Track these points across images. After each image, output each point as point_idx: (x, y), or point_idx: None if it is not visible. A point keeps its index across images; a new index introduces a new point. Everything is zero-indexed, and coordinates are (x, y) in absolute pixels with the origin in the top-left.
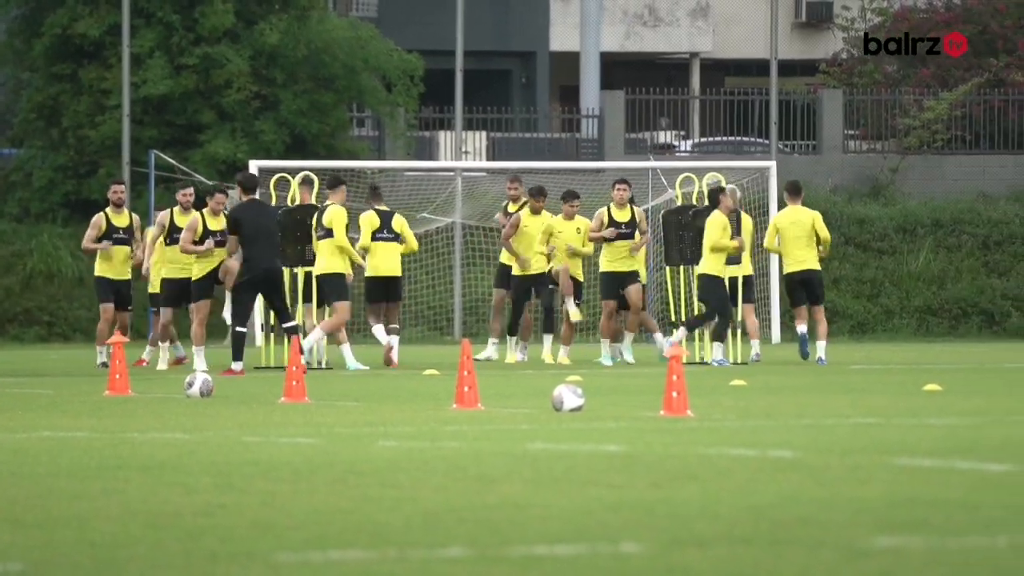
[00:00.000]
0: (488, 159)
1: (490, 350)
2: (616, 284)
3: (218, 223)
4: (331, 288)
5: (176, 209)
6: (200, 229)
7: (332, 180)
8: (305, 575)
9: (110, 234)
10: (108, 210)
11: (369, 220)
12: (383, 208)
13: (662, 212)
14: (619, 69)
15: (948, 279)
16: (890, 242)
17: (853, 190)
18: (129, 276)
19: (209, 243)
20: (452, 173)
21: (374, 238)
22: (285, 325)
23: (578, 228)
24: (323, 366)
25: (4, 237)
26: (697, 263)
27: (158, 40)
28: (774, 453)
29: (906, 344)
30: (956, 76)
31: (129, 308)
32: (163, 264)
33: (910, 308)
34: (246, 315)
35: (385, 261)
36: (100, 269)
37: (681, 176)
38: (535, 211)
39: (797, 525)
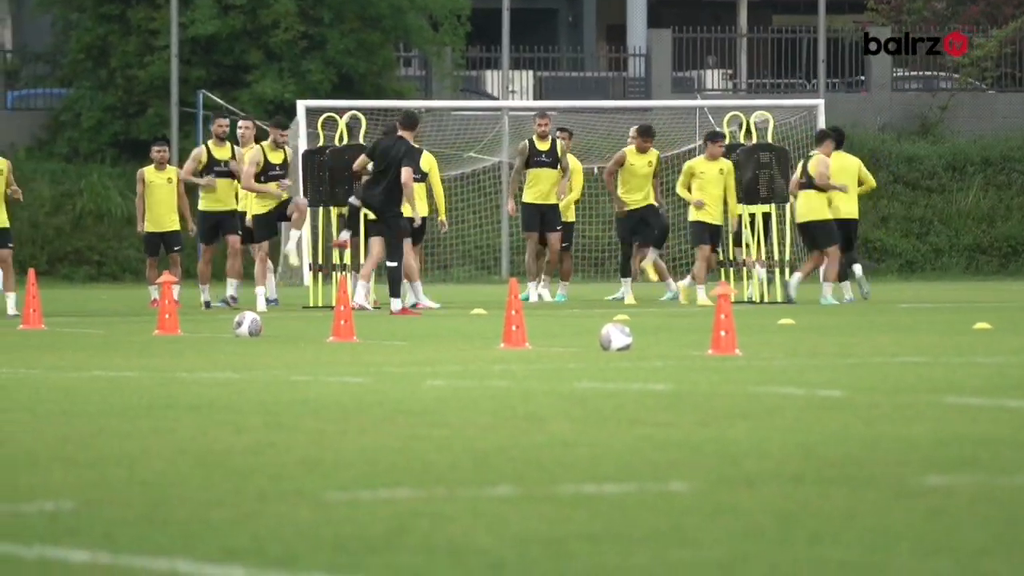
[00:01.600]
0: (535, 98)
1: (531, 292)
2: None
3: (277, 156)
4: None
5: (211, 142)
6: (262, 161)
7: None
8: (354, 513)
9: (211, 167)
10: (210, 143)
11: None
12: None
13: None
14: (666, 8)
15: (998, 217)
16: (939, 180)
17: (902, 128)
18: (234, 206)
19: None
20: (499, 112)
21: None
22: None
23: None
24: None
25: (54, 177)
26: (746, 202)
27: None
28: (822, 392)
29: (955, 283)
30: (1006, 13)
31: (239, 232)
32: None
33: (959, 246)
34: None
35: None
36: (204, 203)
37: (729, 115)
38: (642, 150)
39: (845, 464)
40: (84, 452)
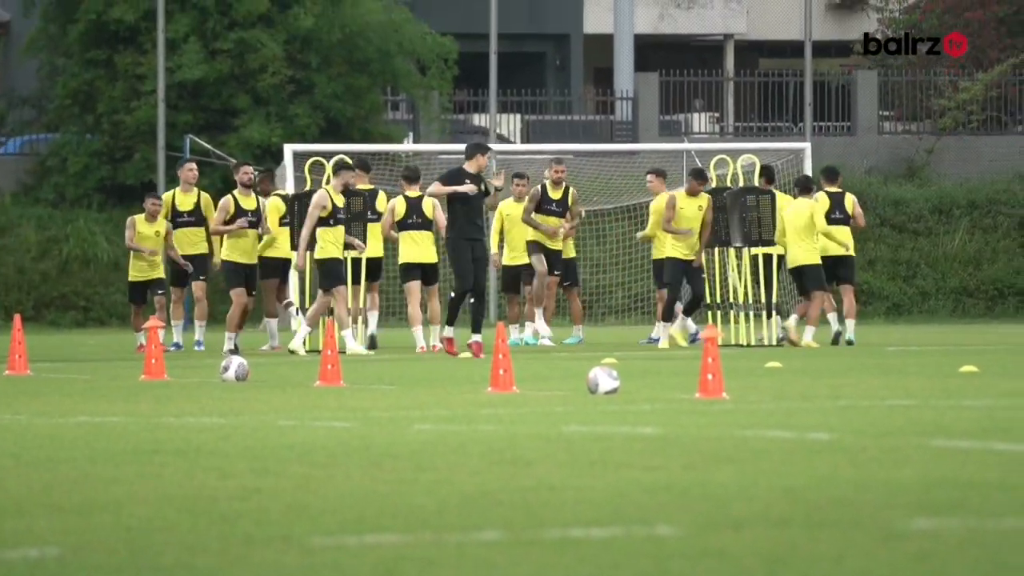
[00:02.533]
0: (522, 142)
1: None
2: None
3: (250, 203)
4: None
5: (237, 191)
6: (232, 210)
7: (362, 163)
8: (341, 559)
9: (239, 217)
10: (236, 192)
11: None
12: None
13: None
14: (653, 51)
15: (984, 260)
16: (926, 223)
17: (888, 171)
18: (256, 260)
19: (241, 222)
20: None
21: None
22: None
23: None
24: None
25: (40, 222)
26: (730, 245)
27: (193, 25)
28: (810, 435)
29: (942, 325)
30: (991, 57)
31: (252, 294)
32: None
33: (946, 289)
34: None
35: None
36: (230, 253)
37: (715, 158)
38: (692, 193)
39: (833, 507)
40: (69, 498)
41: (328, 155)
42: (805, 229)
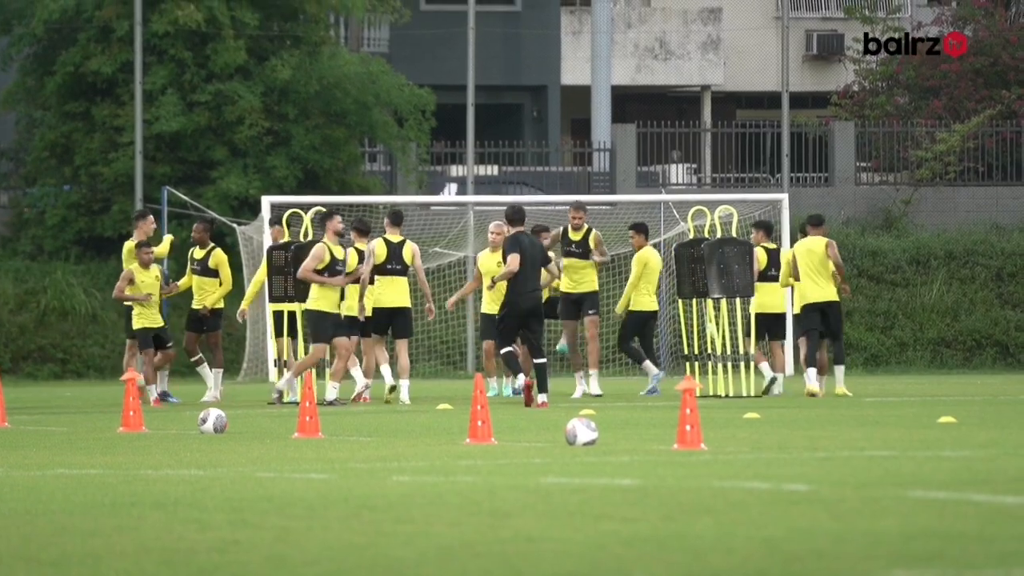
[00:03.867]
0: (500, 193)
1: (593, 386)
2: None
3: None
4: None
5: (327, 238)
6: (327, 259)
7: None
8: None
9: (332, 266)
10: (327, 240)
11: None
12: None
13: (674, 245)
14: (630, 102)
15: (962, 311)
16: (903, 274)
17: (866, 222)
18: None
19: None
20: (464, 207)
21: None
22: (536, 361)
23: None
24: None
25: (18, 275)
26: (708, 296)
27: (170, 77)
28: (788, 486)
29: (920, 376)
30: (968, 108)
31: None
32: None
33: (924, 340)
34: (511, 338)
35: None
36: (322, 303)
37: (693, 209)
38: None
39: (812, 558)
40: (47, 551)
41: (306, 206)
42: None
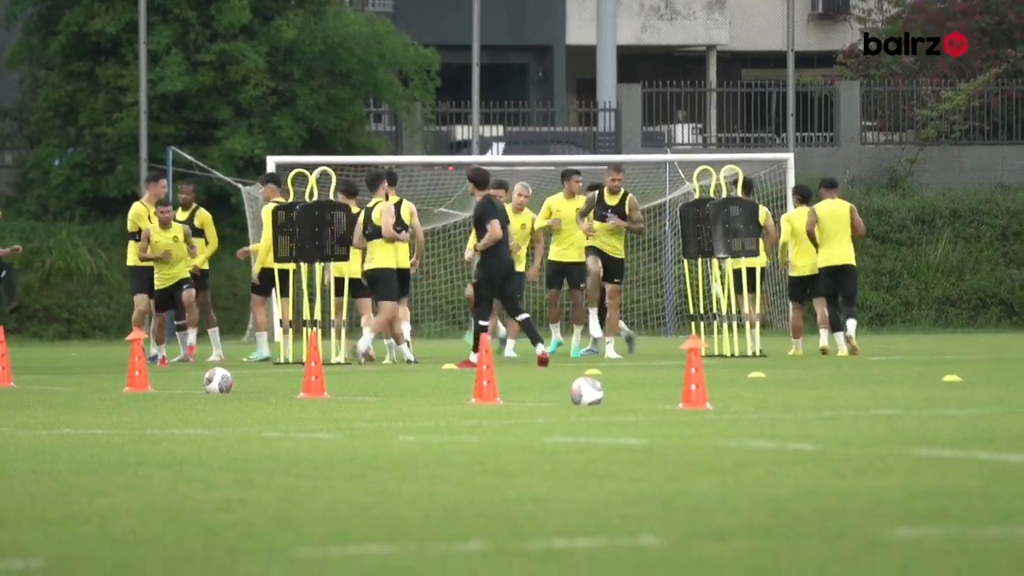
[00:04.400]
0: (505, 153)
1: (610, 351)
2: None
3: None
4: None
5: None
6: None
7: (373, 178)
8: (325, 570)
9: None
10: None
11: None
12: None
13: (679, 205)
14: (636, 63)
15: (967, 270)
16: (908, 233)
17: (871, 182)
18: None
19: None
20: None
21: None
22: (520, 318)
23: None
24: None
25: (23, 235)
26: (713, 256)
27: (175, 37)
28: (793, 445)
29: (925, 335)
30: (974, 67)
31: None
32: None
33: (929, 299)
34: (489, 308)
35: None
36: (384, 261)
37: (699, 169)
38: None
39: (817, 517)
40: (53, 510)
41: (311, 167)
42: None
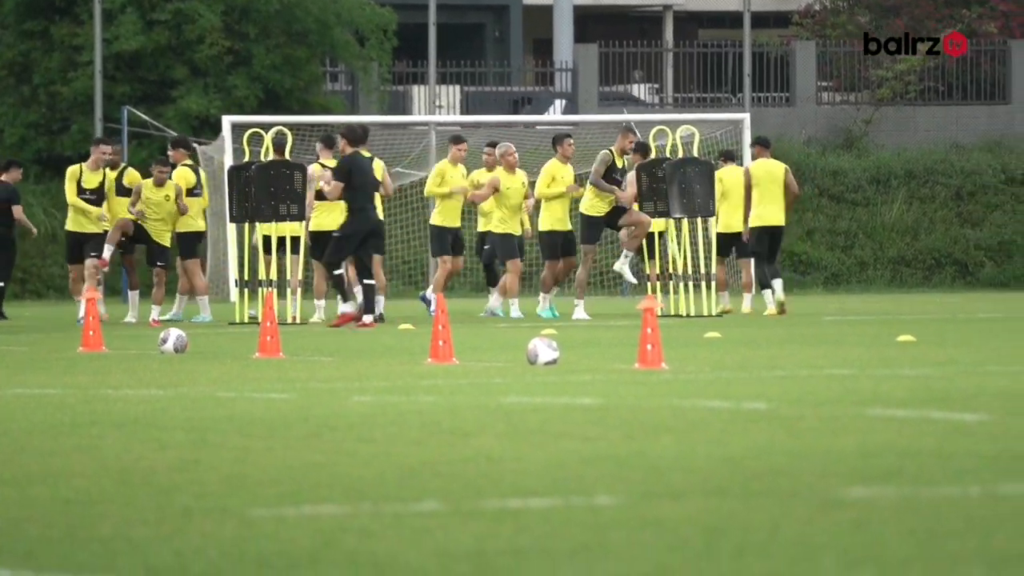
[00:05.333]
0: (462, 113)
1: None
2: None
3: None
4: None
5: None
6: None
7: (328, 139)
8: (279, 530)
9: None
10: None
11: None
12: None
13: (636, 165)
14: (592, 22)
15: (922, 230)
16: (864, 193)
17: (826, 142)
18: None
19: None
20: (426, 127)
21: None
22: (366, 282)
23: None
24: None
25: None
26: (669, 216)
27: None
28: (748, 405)
29: (880, 295)
30: (929, 27)
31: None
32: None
33: (884, 259)
34: (341, 260)
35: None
36: (441, 219)
37: (655, 129)
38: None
39: (771, 476)
40: (6, 470)
41: (266, 126)
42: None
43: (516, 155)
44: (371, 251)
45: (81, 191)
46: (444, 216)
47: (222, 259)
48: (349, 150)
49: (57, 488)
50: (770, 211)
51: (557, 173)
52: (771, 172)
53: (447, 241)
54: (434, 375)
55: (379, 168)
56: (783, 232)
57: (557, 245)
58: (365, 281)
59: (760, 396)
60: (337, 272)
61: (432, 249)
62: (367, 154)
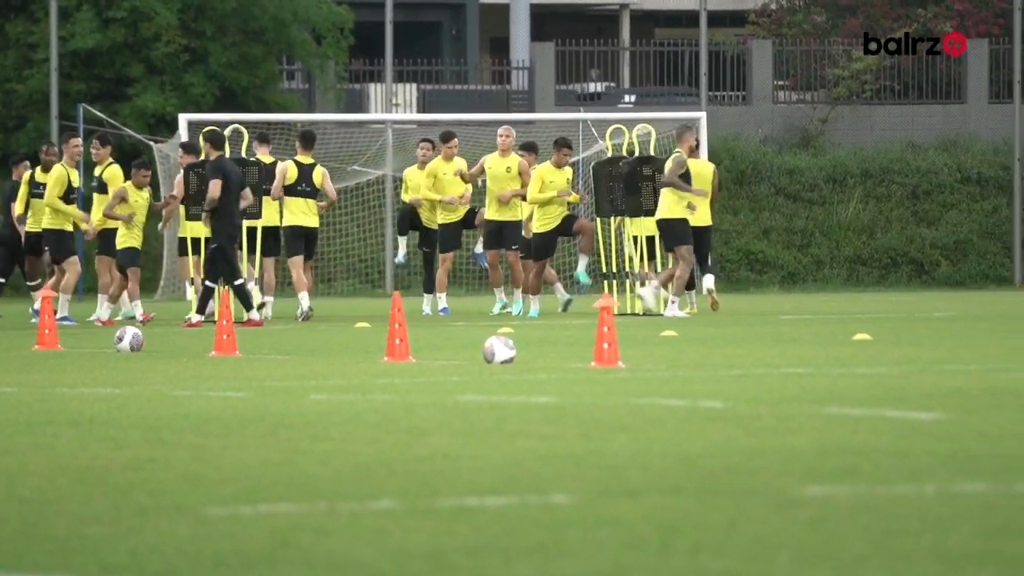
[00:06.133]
0: (418, 111)
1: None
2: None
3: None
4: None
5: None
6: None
7: (263, 136)
8: (235, 528)
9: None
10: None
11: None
12: (306, 160)
13: (592, 164)
14: (549, 21)
15: (878, 229)
16: (820, 192)
17: (783, 141)
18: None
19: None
20: (383, 125)
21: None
22: (235, 283)
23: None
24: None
25: None
26: (628, 214)
27: None
28: (704, 403)
29: (836, 294)
30: (885, 27)
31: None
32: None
33: (840, 258)
34: (234, 268)
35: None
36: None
37: (612, 127)
38: (558, 165)
39: (727, 475)
40: None
41: (223, 124)
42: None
43: (508, 136)
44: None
45: (71, 191)
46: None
47: (177, 258)
48: (214, 154)
49: (12, 486)
50: (700, 211)
51: (547, 177)
52: (701, 173)
53: (457, 237)
54: (390, 373)
55: (319, 174)
56: (711, 232)
57: (551, 245)
58: (207, 283)
59: (717, 395)
60: (209, 285)
61: (441, 247)
62: (308, 160)
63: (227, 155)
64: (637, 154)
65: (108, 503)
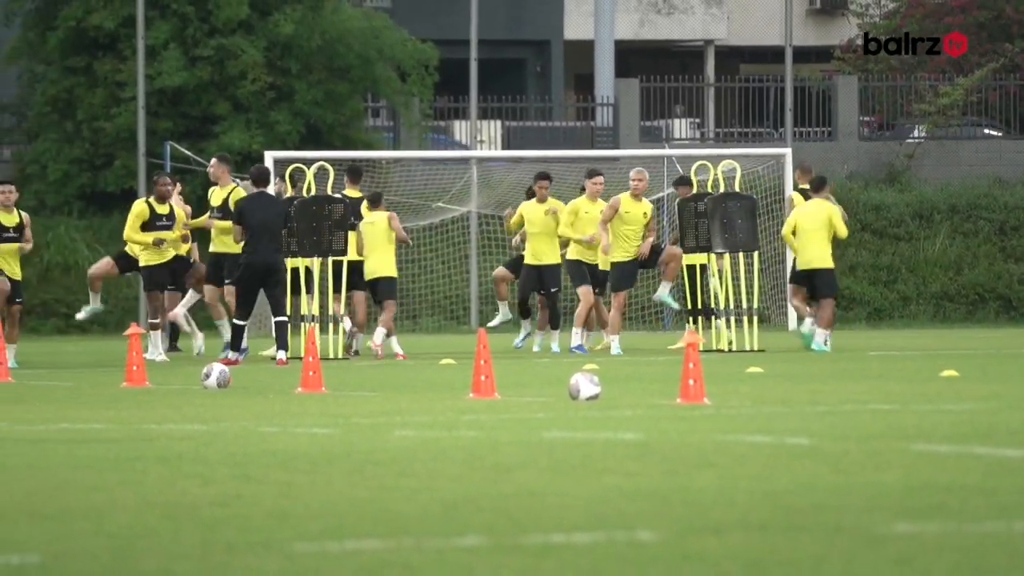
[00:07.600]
0: (503, 148)
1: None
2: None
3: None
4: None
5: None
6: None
7: (353, 170)
8: (322, 565)
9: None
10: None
11: None
12: (354, 194)
13: (678, 200)
14: (634, 57)
15: (965, 265)
16: (906, 228)
17: (869, 176)
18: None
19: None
20: (467, 162)
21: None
22: (277, 319)
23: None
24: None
25: None
26: (712, 251)
27: (173, 32)
28: (790, 440)
29: (923, 330)
30: (971, 61)
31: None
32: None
33: (927, 294)
34: (249, 308)
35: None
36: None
37: (696, 164)
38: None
39: (813, 512)
40: (50, 505)
41: (309, 162)
42: (821, 231)
43: (642, 181)
44: (271, 290)
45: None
46: (579, 250)
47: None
48: (255, 190)
49: (101, 523)
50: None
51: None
52: (814, 212)
53: (585, 273)
54: (476, 410)
55: (384, 218)
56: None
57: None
58: (276, 319)
59: (803, 431)
60: (240, 323)
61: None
62: (356, 194)
63: (285, 192)
64: (723, 190)
65: (196, 539)
